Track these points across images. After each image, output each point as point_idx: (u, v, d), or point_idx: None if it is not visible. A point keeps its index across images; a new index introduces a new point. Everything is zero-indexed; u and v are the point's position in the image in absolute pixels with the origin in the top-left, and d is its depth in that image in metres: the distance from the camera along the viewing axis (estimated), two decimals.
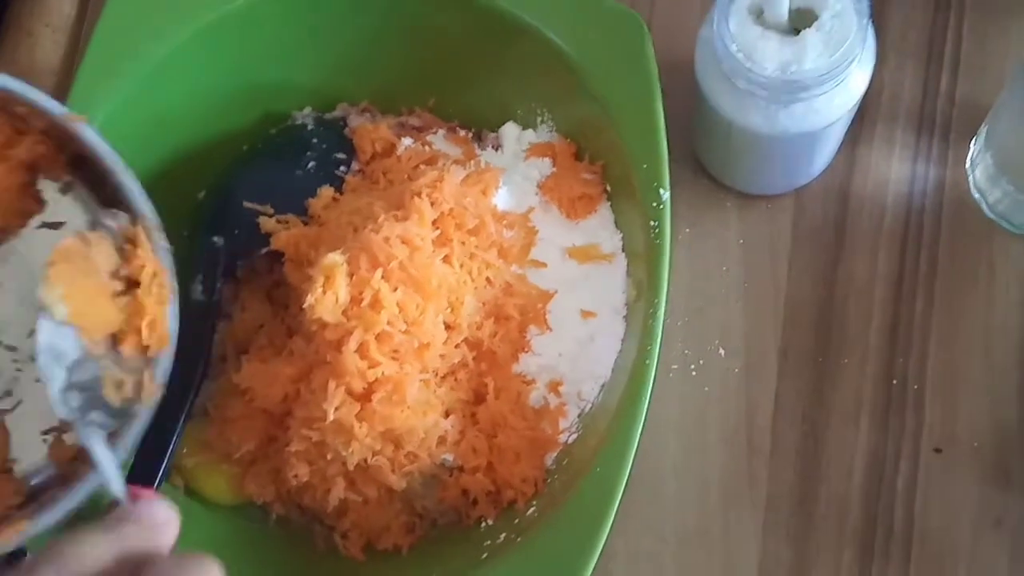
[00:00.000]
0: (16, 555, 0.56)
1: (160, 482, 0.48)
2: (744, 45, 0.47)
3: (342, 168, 0.55)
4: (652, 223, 0.48)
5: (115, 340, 0.44)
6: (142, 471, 0.48)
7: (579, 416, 0.51)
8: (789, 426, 0.56)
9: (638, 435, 0.46)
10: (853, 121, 0.56)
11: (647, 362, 0.46)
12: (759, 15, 0.48)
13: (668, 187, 0.48)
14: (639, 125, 0.49)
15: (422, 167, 0.53)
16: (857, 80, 0.49)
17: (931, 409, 0.55)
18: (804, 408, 0.56)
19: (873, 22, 0.49)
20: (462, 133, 0.57)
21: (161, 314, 0.44)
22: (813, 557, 0.54)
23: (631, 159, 0.49)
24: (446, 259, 0.49)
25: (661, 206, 0.48)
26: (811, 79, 0.46)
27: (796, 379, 0.56)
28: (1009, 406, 0.55)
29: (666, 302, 0.47)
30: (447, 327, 0.49)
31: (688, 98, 0.53)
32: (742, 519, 0.55)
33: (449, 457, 0.51)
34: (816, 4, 0.48)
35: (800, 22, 0.48)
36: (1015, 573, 0.53)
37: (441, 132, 0.57)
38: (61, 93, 0.54)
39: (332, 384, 0.46)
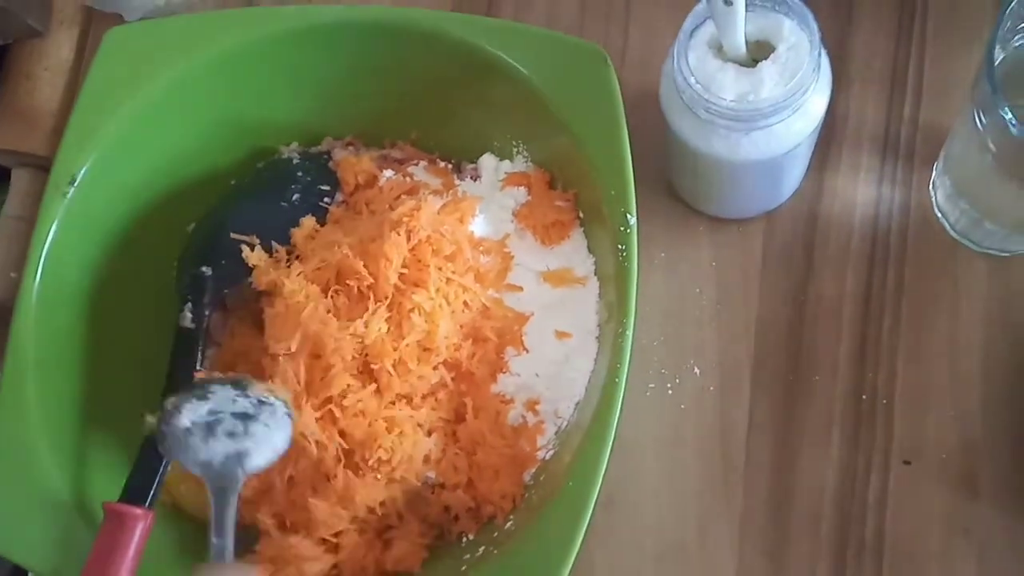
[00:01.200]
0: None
1: (152, 501, 0.50)
2: (703, 77, 0.49)
3: (326, 199, 0.57)
4: (620, 247, 0.50)
5: None
6: (135, 491, 0.50)
7: (556, 433, 0.53)
8: (762, 442, 0.57)
9: (608, 450, 0.47)
10: (819, 146, 0.59)
11: (616, 380, 0.48)
12: (719, 49, 0.50)
13: (635, 213, 0.50)
14: (606, 154, 0.51)
15: (403, 197, 0.56)
16: (815, 107, 0.51)
17: (900, 423, 0.57)
18: (777, 424, 0.58)
19: (828, 51, 0.51)
20: (442, 164, 0.59)
21: None
22: (788, 569, 0.56)
23: (600, 187, 0.51)
24: (421, 285, 0.51)
25: (628, 231, 0.50)
26: (768, 108, 0.48)
27: (769, 396, 0.58)
28: (974, 418, 0.56)
29: (634, 323, 0.49)
30: (424, 350, 0.51)
31: (660, 127, 0.55)
32: (718, 533, 0.56)
33: (431, 475, 0.53)
34: (772, 37, 0.50)
35: (759, 54, 0.51)
36: None
37: (422, 164, 0.59)
38: (58, 134, 0.56)
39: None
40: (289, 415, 0.48)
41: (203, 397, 0.48)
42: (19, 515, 0.50)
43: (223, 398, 0.48)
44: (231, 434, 0.47)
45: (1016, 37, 0.49)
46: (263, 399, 0.48)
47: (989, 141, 0.49)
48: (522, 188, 0.57)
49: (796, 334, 0.59)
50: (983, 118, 0.48)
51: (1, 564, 0.56)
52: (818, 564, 0.56)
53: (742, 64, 0.50)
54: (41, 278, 0.53)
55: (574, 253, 0.55)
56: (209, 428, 0.47)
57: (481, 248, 0.54)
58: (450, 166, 0.59)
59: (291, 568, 0.50)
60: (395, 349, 0.51)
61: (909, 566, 0.55)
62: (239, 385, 0.48)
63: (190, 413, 0.47)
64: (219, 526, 0.46)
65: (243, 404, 0.47)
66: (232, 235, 0.55)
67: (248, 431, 0.47)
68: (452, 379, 0.53)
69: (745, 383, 0.58)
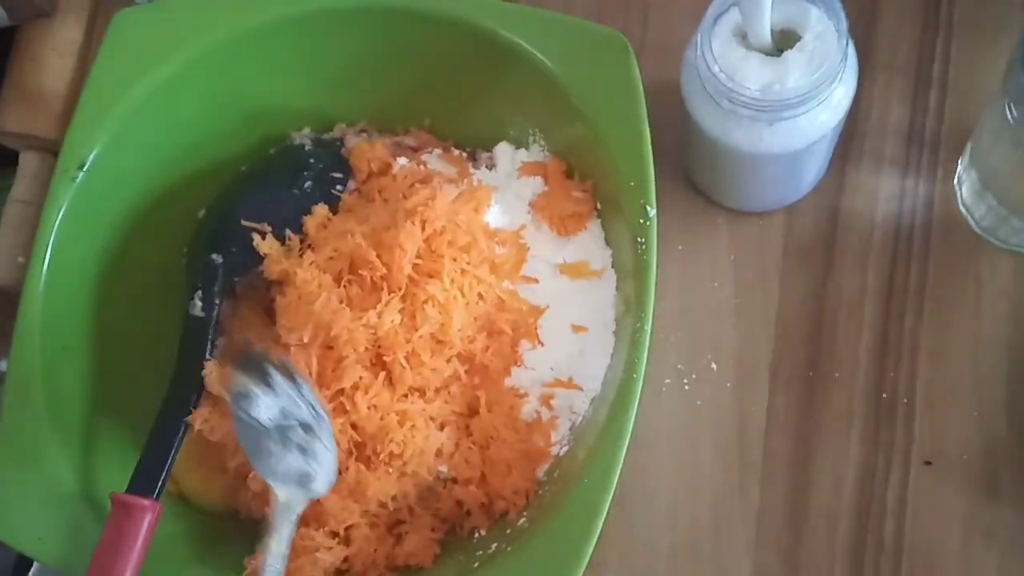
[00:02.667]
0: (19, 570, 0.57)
1: (159, 492, 0.49)
2: (727, 66, 0.48)
3: (339, 187, 0.56)
4: (639, 239, 0.49)
5: None
6: (143, 482, 0.49)
7: (570, 429, 0.52)
8: (780, 440, 0.56)
9: (625, 447, 0.46)
10: (842, 138, 0.57)
11: (634, 376, 0.47)
12: (743, 37, 0.49)
13: (655, 204, 0.49)
14: (626, 144, 0.50)
15: (417, 186, 0.54)
16: (840, 99, 0.50)
17: (921, 423, 0.56)
18: (795, 422, 0.57)
19: (855, 41, 0.50)
20: (457, 152, 0.58)
21: None
22: (804, 570, 0.55)
23: (619, 177, 0.50)
24: (435, 276, 0.50)
25: (648, 223, 0.49)
26: (793, 98, 0.47)
27: (787, 393, 0.57)
28: (997, 419, 0.55)
29: (653, 317, 0.48)
30: (438, 342, 0.50)
31: (680, 117, 0.54)
32: (733, 532, 0.56)
33: (444, 469, 0.52)
34: (799, 25, 0.49)
35: (784, 43, 0.49)
36: None
37: (436, 152, 0.58)
38: (67, 116, 0.56)
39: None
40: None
41: (268, 385, 0.46)
42: (27, 505, 0.49)
43: (287, 396, 0.46)
44: (302, 449, 0.46)
45: None
46: (316, 408, 0.46)
47: (1021, 135, 0.47)
48: (538, 178, 0.56)
49: (816, 330, 0.58)
50: (1015, 111, 0.47)
51: (7, 554, 0.55)
52: (835, 565, 0.55)
53: (767, 53, 0.49)
54: (49, 264, 0.52)
55: (591, 245, 0.54)
56: (283, 434, 0.46)
57: (496, 239, 0.53)
58: (465, 154, 0.58)
59: (303, 558, 0.50)
60: (408, 341, 0.50)
61: (928, 568, 0.54)
62: (291, 376, 0.46)
63: (267, 409, 0.45)
64: (276, 547, 0.46)
65: (304, 412, 0.46)
66: (243, 222, 0.54)
67: (312, 449, 0.46)
68: (465, 372, 0.52)
69: (763, 379, 0.57)
